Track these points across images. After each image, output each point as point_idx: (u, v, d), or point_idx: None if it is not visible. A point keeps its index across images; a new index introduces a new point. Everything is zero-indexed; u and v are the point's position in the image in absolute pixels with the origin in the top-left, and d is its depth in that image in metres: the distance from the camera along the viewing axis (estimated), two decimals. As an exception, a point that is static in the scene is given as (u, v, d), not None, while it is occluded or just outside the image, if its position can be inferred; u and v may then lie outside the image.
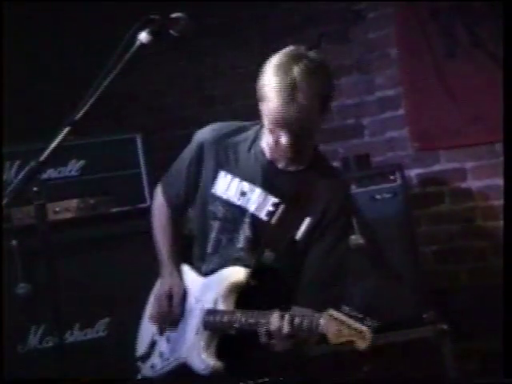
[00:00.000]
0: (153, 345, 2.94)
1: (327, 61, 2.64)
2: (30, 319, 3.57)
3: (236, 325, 2.63)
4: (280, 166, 2.69)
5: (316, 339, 2.50)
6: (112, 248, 3.70)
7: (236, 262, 2.73)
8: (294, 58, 2.53)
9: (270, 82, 2.53)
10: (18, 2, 4.35)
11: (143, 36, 2.38)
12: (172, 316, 2.86)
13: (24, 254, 3.52)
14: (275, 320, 2.49)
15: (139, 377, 2.95)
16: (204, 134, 2.85)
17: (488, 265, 4.58)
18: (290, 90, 2.49)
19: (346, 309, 2.40)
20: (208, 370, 2.69)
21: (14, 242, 3.57)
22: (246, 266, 2.71)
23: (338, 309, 2.42)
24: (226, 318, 2.67)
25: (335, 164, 4.62)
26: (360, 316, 2.36)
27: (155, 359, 2.91)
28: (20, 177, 2.42)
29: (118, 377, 3.42)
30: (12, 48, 4.48)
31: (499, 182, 4.47)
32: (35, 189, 2.46)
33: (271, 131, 2.59)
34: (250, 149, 2.76)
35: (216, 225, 2.79)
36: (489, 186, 4.55)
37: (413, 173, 4.67)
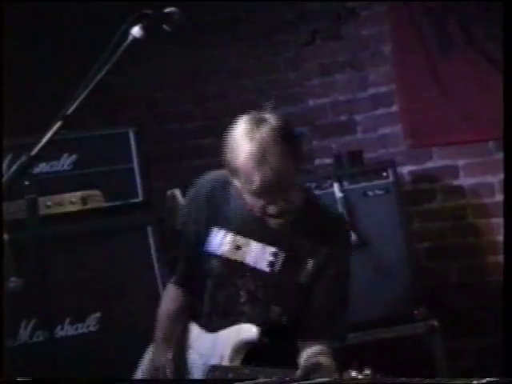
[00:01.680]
0: None
1: (286, 120, 2.61)
2: (20, 313, 3.57)
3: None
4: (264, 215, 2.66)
5: None
6: (103, 243, 3.71)
7: (240, 317, 2.71)
8: (256, 124, 2.51)
9: (238, 154, 2.50)
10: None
11: (136, 31, 2.38)
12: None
13: (15, 248, 3.51)
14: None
15: None
16: (195, 187, 2.84)
17: (479, 262, 4.61)
18: (260, 158, 2.47)
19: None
20: None
21: (5, 236, 3.55)
22: (250, 321, 2.69)
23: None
24: (231, 375, 2.64)
25: (328, 160, 4.65)
26: None
27: None
28: (11, 170, 2.42)
29: (108, 372, 3.42)
30: (2, 44, 4.46)
31: (491, 179, 4.52)
32: (27, 183, 2.46)
33: (253, 200, 2.57)
34: (237, 201, 2.72)
35: (210, 283, 2.77)
36: (480, 184, 4.58)
37: (405, 170, 4.68)
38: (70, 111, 2.37)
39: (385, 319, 4.05)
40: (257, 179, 2.46)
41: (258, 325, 2.66)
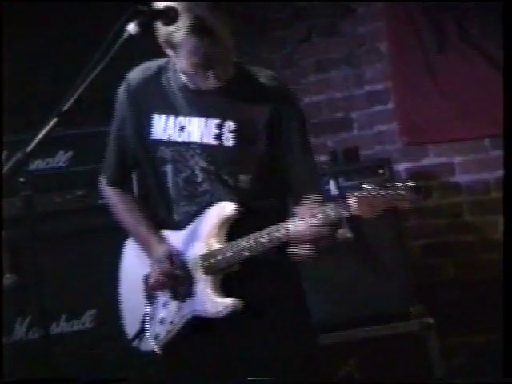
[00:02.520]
0: (145, 319, 2.87)
1: None
2: (16, 310, 3.57)
3: (245, 253, 2.62)
4: (204, 87, 2.67)
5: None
6: (99, 240, 3.70)
7: (203, 197, 2.73)
8: None
9: (177, 28, 2.52)
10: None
11: (132, 27, 2.37)
12: (178, 276, 2.77)
13: (10, 245, 3.52)
14: (300, 224, 2.53)
15: (142, 354, 2.88)
16: (128, 80, 2.83)
17: (475, 259, 4.62)
18: (202, 28, 2.51)
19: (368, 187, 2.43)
20: (227, 311, 2.67)
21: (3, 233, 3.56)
22: (214, 197, 2.71)
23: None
24: (229, 253, 2.66)
25: (324, 157, 4.65)
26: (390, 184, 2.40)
27: (157, 329, 2.86)
28: (6, 167, 2.41)
29: (104, 368, 3.42)
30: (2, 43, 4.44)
31: (487, 176, 4.54)
32: (22, 180, 2.46)
33: (193, 73, 2.60)
34: (172, 82, 2.74)
35: (169, 169, 2.76)
36: (476, 181, 4.60)
37: (401, 167, 4.69)
38: (65, 108, 2.36)
39: (380, 316, 4.05)
40: (201, 50, 2.51)
41: (224, 199, 2.68)
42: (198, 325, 2.76)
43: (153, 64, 2.80)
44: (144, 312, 2.86)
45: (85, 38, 4.09)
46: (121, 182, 2.94)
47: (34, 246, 2.61)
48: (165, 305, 2.84)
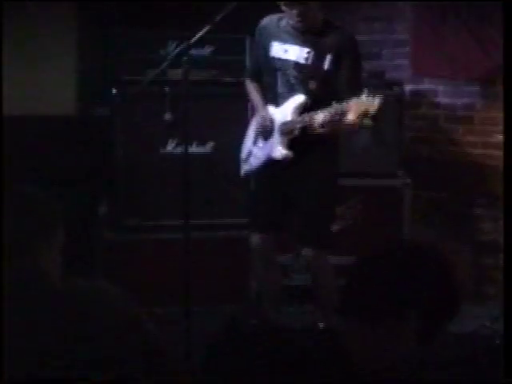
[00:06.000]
0: (250, 153, 4.20)
1: None
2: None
3: (299, 125, 3.84)
4: (301, 29, 3.80)
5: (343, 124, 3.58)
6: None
7: (294, 92, 3.94)
8: None
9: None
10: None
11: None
12: (268, 126, 4.06)
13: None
14: (319, 116, 3.71)
15: (242, 172, 4.23)
16: (261, 23, 4.05)
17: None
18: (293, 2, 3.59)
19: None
20: (282, 157, 3.95)
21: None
22: (299, 91, 3.93)
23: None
24: (295, 121, 3.82)
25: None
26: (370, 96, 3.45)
27: (252, 160, 4.18)
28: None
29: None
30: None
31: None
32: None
33: (286, 11, 3.75)
34: (284, 25, 3.90)
35: (279, 74, 3.95)
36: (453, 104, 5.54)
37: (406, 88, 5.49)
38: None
39: (374, 173, 5.11)
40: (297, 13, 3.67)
41: (303, 93, 3.88)
42: (268, 165, 4.02)
43: (275, 16, 4.02)
44: (249, 149, 4.23)
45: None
46: (256, 79, 4.20)
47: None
48: (259, 147, 4.14)
